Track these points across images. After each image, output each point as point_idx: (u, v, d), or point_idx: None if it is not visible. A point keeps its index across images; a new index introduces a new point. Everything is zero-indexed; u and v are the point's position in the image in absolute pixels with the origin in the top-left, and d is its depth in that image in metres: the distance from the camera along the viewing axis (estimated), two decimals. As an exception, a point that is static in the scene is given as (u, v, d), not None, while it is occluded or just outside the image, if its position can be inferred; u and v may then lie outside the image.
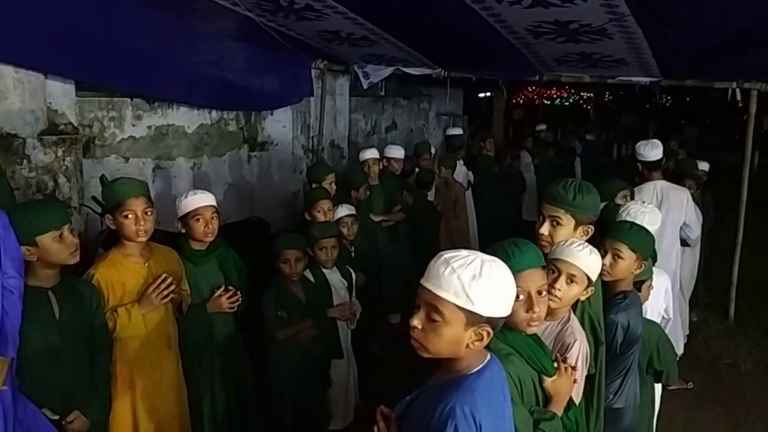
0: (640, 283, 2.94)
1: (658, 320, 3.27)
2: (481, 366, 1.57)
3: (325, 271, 3.64)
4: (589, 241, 2.42)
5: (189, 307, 3.04)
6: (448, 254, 1.53)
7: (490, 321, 1.51)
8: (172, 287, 2.76)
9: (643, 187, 4.43)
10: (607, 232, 2.71)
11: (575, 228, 2.41)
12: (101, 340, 2.65)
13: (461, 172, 6.65)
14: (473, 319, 1.49)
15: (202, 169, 5.46)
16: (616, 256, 2.66)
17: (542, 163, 9.11)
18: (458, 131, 7.17)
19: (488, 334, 1.52)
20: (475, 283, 1.47)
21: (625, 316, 2.59)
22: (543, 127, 10.29)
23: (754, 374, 4.85)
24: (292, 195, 6.54)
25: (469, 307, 1.48)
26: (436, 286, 1.50)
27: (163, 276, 2.75)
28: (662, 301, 3.37)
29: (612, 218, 3.04)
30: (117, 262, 2.75)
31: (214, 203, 3.11)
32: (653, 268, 3.09)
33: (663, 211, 3.78)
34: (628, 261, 2.67)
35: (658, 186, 4.47)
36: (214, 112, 5.53)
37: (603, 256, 2.62)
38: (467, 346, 1.52)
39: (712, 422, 4.17)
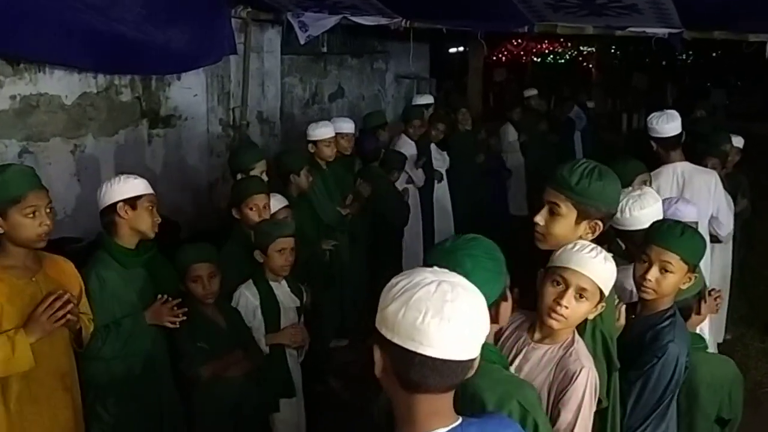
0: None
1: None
2: None
3: (272, 284, 3.68)
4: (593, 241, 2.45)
5: (122, 319, 3.11)
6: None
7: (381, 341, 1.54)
8: (69, 306, 2.69)
9: (660, 172, 4.50)
10: (652, 238, 2.73)
11: (577, 222, 2.40)
12: None
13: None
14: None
15: (87, 153, 5.34)
16: (664, 270, 2.67)
17: (532, 141, 9.24)
18: (427, 99, 7.20)
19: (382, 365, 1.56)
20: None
21: (683, 344, 2.63)
22: (533, 92, 10.41)
23: (802, 405, 5.01)
24: (207, 186, 6.49)
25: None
26: None
27: (58, 292, 2.70)
28: None
29: None
30: None
31: (152, 190, 3.28)
32: None
33: (687, 200, 3.88)
34: (678, 274, 2.69)
35: (678, 169, 4.55)
36: (100, 77, 5.40)
37: (647, 269, 2.67)
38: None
39: (753, 465, 4.30)
